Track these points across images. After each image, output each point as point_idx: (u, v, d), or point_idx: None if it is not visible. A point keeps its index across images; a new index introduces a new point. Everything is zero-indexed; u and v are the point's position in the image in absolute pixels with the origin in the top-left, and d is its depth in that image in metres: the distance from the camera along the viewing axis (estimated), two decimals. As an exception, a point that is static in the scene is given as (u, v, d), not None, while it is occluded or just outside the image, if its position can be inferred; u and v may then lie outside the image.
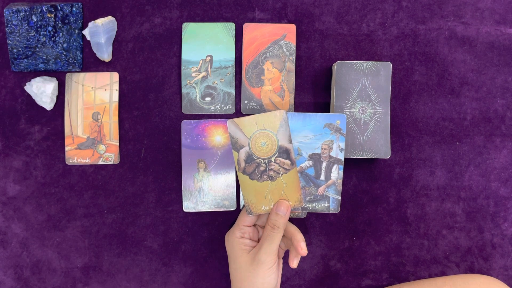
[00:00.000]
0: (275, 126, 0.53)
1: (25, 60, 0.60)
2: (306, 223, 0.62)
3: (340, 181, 0.55)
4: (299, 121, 0.55)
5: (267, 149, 0.53)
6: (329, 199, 0.56)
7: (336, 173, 0.55)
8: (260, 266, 0.52)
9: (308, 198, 0.56)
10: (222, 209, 0.62)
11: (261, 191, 0.54)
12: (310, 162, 0.55)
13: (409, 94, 0.62)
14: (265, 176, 0.54)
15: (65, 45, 0.60)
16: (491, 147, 0.62)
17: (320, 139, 0.55)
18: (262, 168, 0.54)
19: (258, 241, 0.56)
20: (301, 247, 0.54)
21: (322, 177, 0.55)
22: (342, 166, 0.55)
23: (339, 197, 0.56)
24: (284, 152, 0.53)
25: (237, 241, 0.55)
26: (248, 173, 0.54)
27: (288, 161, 0.53)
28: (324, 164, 0.55)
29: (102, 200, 0.62)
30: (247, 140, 0.53)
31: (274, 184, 0.54)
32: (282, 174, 0.54)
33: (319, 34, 0.62)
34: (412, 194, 0.62)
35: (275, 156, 0.53)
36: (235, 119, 0.53)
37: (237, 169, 0.54)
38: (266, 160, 0.54)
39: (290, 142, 0.53)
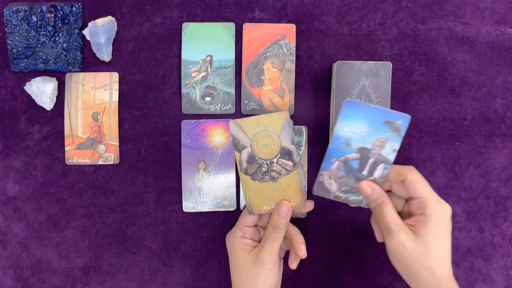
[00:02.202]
0: (277, 127, 0.53)
1: (25, 60, 0.60)
2: (306, 223, 0.62)
3: (382, 180, 0.53)
4: (359, 111, 0.51)
5: (269, 150, 0.53)
6: None
7: (381, 171, 0.53)
8: (262, 266, 0.52)
9: (343, 188, 0.54)
10: (222, 209, 0.62)
11: (263, 191, 0.54)
12: (357, 155, 0.53)
13: (409, 94, 0.62)
14: (267, 177, 0.54)
15: (65, 45, 0.60)
16: (491, 147, 0.62)
17: (374, 134, 0.52)
18: (264, 169, 0.54)
19: (259, 241, 0.56)
20: (301, 250, 0.54)
21: (365, 172, 0.53)
22: (388, 167, 0.52)
23: None
24: (286, 154, 0.53)
25: (238, 241, 0.55)
26: (250, 173, 0.54)
27: (290, 163, 0.53)
28: (371, 160, 0.52)
29: (102, 200, 0.62)
30: (249, 141, 0.53)
31: (275, 184, 0.54)
32: (284, 175, 0.54)
33: (319, 34, 0.62)
34: (412, 194, 0.62)
35: (277, 157, 0.53)
36: (238, 120, 0.53)
37: (239, 169, 0.54)
38: (268, 161, 0.54)
39: (293, 143, 0.53)
